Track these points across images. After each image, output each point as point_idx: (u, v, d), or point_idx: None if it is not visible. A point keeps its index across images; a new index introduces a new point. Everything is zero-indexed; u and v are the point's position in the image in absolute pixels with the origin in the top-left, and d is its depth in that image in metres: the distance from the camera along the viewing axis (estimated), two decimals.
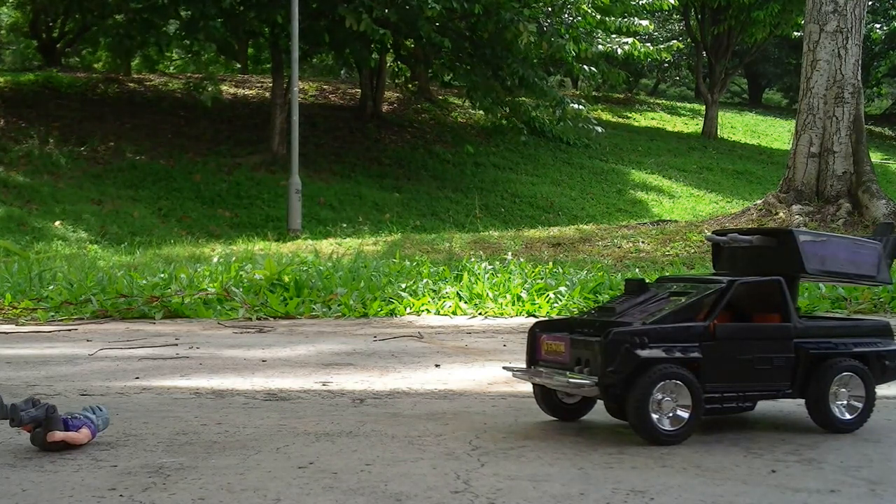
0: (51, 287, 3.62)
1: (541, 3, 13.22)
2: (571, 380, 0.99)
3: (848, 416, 1.05)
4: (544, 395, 1.10)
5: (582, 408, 1.14)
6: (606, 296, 3.60)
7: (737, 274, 1.03)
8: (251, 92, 17.09)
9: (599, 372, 0.97)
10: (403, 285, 3.68)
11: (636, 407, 0.94)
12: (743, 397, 1.01)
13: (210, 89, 13.06)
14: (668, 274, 4.65)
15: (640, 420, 0.94)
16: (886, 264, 1.16)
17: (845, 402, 1.04)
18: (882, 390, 1.48)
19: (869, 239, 1.15)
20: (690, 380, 0.95)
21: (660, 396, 0.95)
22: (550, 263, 4.62)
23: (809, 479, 0.86)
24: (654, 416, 0.95)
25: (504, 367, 1.17)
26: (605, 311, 1.07)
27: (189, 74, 17.25)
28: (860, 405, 1.05)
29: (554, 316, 3.26)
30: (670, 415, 0.96)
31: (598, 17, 13.72)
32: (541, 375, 1.05)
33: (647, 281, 1.13)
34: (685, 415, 0.97)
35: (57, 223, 10.11)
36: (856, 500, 0.80)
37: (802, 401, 1.08)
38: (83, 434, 0.99)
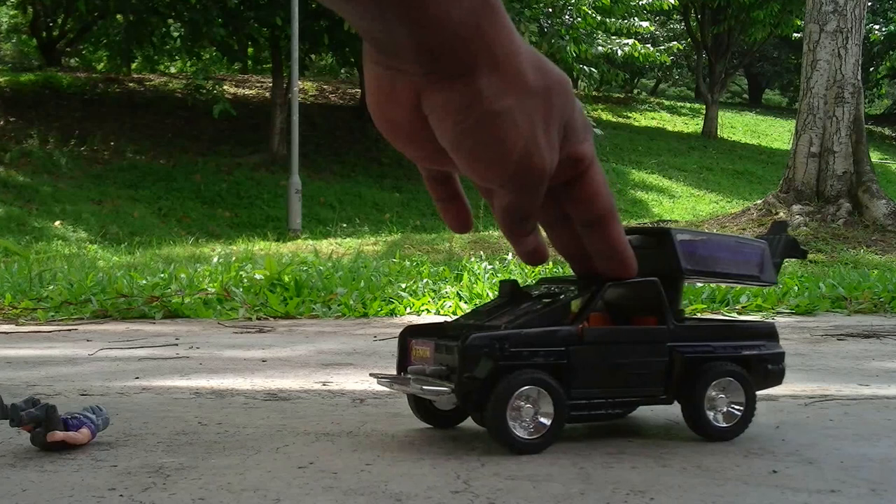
0: (51, 287, 3.62)
1: (541, 4, 13.23)
2: (426, 387, 0.94)
3: (724, 424, 1.00)
4: (417, 403, 1.06)
5: (458, 415, 1.07)
6: None
7: None
8: (251, 92, 17.10)
9: (456, 378, 0.92)
10: (403, 285, 3.69)
11: (493, 415, 0.91)
12: (612, 403, 0.97)
13: (217, 104, 13.07)
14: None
15: (498, 428, 0.91)
16: (774, 264, 1.10)
17: (724, 409, 1.00)
18: (882, 390, 1.48)
19: (755, 239, 1.11)
20: (552, 386, 0.91)
21: (519, 404, 0.91)
22: (550, 263, 4.62)
23: (809, 479, 0.86)
24: (512, 424, 0.92)
25: (371, 374, 1.13)
26: (475, 315, 1.02)
27: (189, 73, 17.25)
28: (739, 412, 1.01)
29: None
30: (530, 422, 0.92)
31: (599, 18, 13.74)
32: (403, 382, 0.99)
33: (521, 283, 1.08)
34: (547, 422, 0.93)
35: (57, 223, 10.11)
36: (856, 500, 0.80)
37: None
38: (83, 434, 0.99)
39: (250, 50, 14.29)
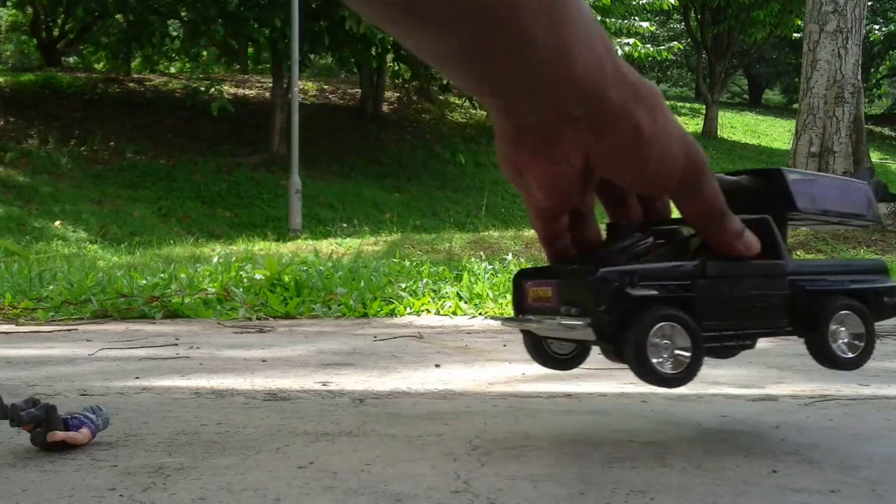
0: (51, 287, 3.62)
1: None
2: (562, 322, 0.94)
3: (850, 354, 1.01)
4: (535, 345, 1.06)
5: (574, 358, 1.07)
6: None
7: None
8: (251, 92, 17.10)
9: (591, 312, 0.91)
10: (403, 285, 3.69)
11: (635, 350, 0.90)
12: (740, 335, 0.97)
13: (215, 101, 13.08)
14: None
15: (641, 363, 0.90)
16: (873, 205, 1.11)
17: (846, 340, 1.01)
18: (882, 390, 1.48)
19: (857, 178, 1.12)
20: (686, 320, 0.91)
21: (657, 340, 0.90)
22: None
23: (809, 479, 0.86)
24: (654, 360, 0.90)
25: (489, 317, 1.14)
26: (590, 258, 1.03)
27: (188, 75, 17.25)
28: (861, 343, 1.01)
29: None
30: (669, 357, 0.91)
31: (599, 17, 13.76)
32: (530, 322, 1.00)
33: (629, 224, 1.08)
34: (686, 356, 0.92)
35: (57, 223, 10.11)
36: (856, 500, 0.80)
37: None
38: (83, 434, 0.99)
39: (250, 50, 14.29)
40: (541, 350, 1.11)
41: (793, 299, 1.02)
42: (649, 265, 0.96)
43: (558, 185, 0.69)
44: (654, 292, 0.94)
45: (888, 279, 1.10)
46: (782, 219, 1.04)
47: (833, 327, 1.03)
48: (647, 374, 0.94)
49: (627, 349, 0.94)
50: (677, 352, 0.95)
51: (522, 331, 1.09)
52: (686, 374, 0.95)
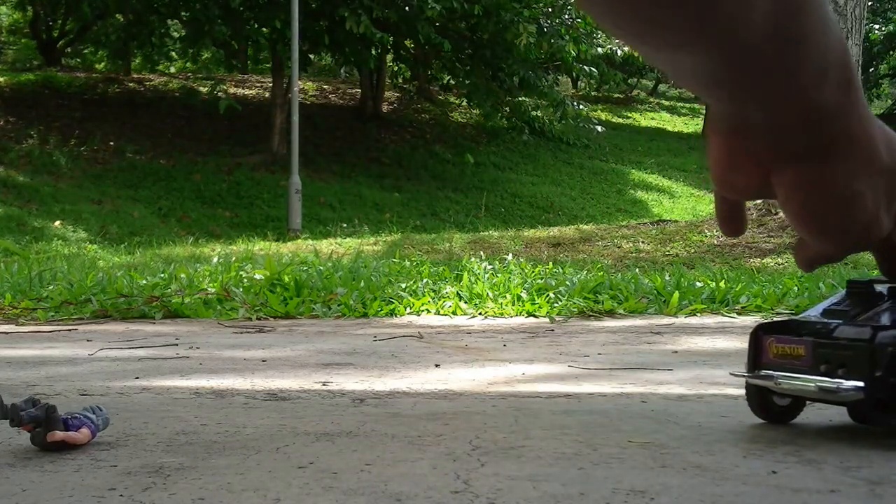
0: (51, 287, 3.62)
1: (541, 4, 13.23)
2: (831, 386, 0.93)
3: None
4: (760, 398, 1.06)
5: (794, 411, 1.08)
6: (606, 295, 3.59)
7: None
8: (251, 92, 17.10)
9: (866, 376, 0.89)
10: (403, 285, 3.68)
11: None
12: None
13: (222, 100, 13.07)
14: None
15: None
16: None
17: None
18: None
19: None
20: None
21: None
22: (550, 263, 4.62)
23: (809, 479, 0.85)
24: None
25: (731, 374, 1.14)
26: (835, 314, 0.98)
27: (189, 75, 17.25)
28: None
29: (554, 316, 3.26)
30: None
31: None
32: (782, 380, 0.99)
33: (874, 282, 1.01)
34: None
35: (57, 223, 10.12)
36: (856, 500, 0.80)
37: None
38: (83, 434, 0.99)
39: (250, 50, 14.30)
40: (764, 403, 1.08)
41: None
42: None
43: (749, 195, 0.66)
44: None
45: None
46: None
47: None
48: None
49: None
50: None
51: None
52: None
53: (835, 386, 0.93)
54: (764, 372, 1.03)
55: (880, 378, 0.90)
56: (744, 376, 1.07)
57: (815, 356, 0.96)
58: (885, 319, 0.95)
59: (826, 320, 1.01)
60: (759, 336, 1.04)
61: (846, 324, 0.97)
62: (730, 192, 0.66)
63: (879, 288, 1.02)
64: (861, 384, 0.91)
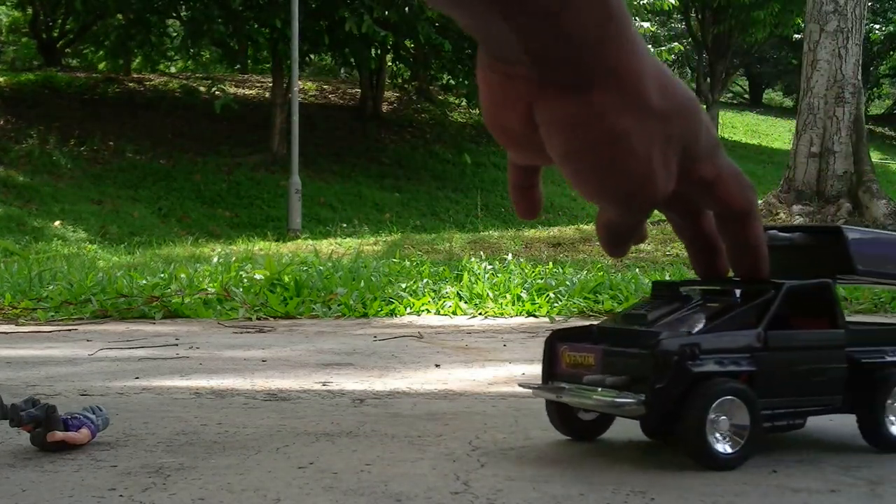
0: (51, 287, 3.62)
1: None
2: (612, 398, 0.86)
3: None
4: (559, 413, 0.99)
5: (599, 426, 1.00)
6: (606, 295, 3.60)
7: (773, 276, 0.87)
8: (251, 92, 17.10)
9: (648, 389, 0.83)
10: (403, 285, 3.68)
11: (693, 429, 0.83)
12: (794, 413, 0.90)
13: (219, 95, 13.07)
14: (668, 276, 4.65)
15: (696, 443, 0.84)
16: None
17: None
18: None
19: None
20: (749, 395, 0.84)
21: (716, 416, 0.84)
22: (550, 263, 4.62)
23: (809, 479, 0.85)
24: (710, 439, 0.85)
25: (520, 385, 1.07)
26: (634, 319, 0.93)
27: (189, 74, 17.25)
28: None
29: (554, 316, 3.26)
30: (725, 436, 0.86)
31: None
32: (565, 393, 0.91)
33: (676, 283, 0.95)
34: (741, 435, 0.86)
35: (57, 223, 10.11)
36: (856, 500, 0.80)
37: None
38: (83, 434, 0.99)
39: (250, 50, 14.30)
40: (565, 418, 1.01)
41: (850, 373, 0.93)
42: (715, 335, 0.86)
43: (517, 140, 0.63)
44: (715, 367, 0.85)
45: None
46: (834, 280, 0.95)
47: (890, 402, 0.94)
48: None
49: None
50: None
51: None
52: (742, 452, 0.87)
53: (616, 399, 0.86)
54: (555, 384, 0.95)
55: (662, 390, 0.84)
56: (530, 387, 0.98)
57: (603, 365, 0.89)
58: (678, 325, 0.89)
59: (622, 326, 0.94)
60: (553, 343, 0.96)
61: (639, 330, 0.91)
62: (501, 136, 0.63)
63: (685, 290, 0.97)
64: (642, 397, 0.84)
